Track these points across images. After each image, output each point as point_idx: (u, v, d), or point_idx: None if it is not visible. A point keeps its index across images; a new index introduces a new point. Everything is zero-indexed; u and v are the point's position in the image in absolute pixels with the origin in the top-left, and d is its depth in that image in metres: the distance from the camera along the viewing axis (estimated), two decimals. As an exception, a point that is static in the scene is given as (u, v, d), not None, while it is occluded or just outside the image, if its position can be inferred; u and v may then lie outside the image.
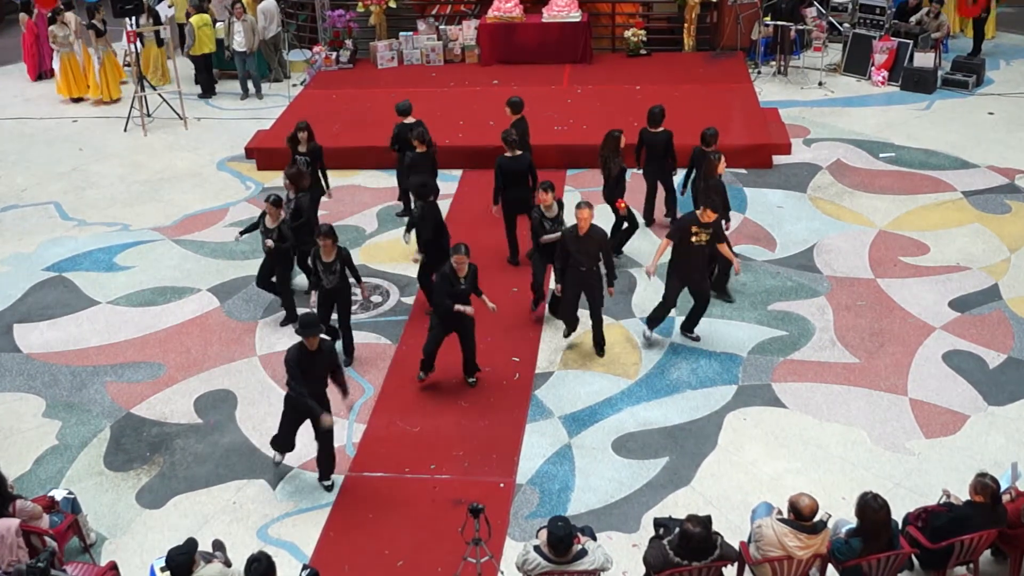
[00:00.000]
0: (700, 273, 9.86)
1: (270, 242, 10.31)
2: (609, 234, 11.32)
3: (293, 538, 8.06)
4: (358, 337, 10.53)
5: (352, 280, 9.83)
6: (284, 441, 8.64)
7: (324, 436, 8.36)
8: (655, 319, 10.10)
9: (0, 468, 7.87)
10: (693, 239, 9.57)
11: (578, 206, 9.51)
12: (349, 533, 8.09)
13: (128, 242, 12.79)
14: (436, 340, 9.50)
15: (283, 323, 10.76)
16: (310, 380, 8.17)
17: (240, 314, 11.08)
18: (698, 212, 9.64)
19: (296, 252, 10.68)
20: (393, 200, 13.45)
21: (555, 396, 9.57)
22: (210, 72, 17.92)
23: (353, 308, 11.02)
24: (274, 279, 10.73)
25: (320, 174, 11.89)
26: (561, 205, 10.51)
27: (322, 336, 8.26)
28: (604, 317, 10.01)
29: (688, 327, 10.22)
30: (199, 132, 16.36)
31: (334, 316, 10.02)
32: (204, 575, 6.58)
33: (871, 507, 6.73)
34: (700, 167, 11.04)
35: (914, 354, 9.93)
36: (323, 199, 12.04)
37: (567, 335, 10.15)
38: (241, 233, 10.79)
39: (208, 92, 17.91)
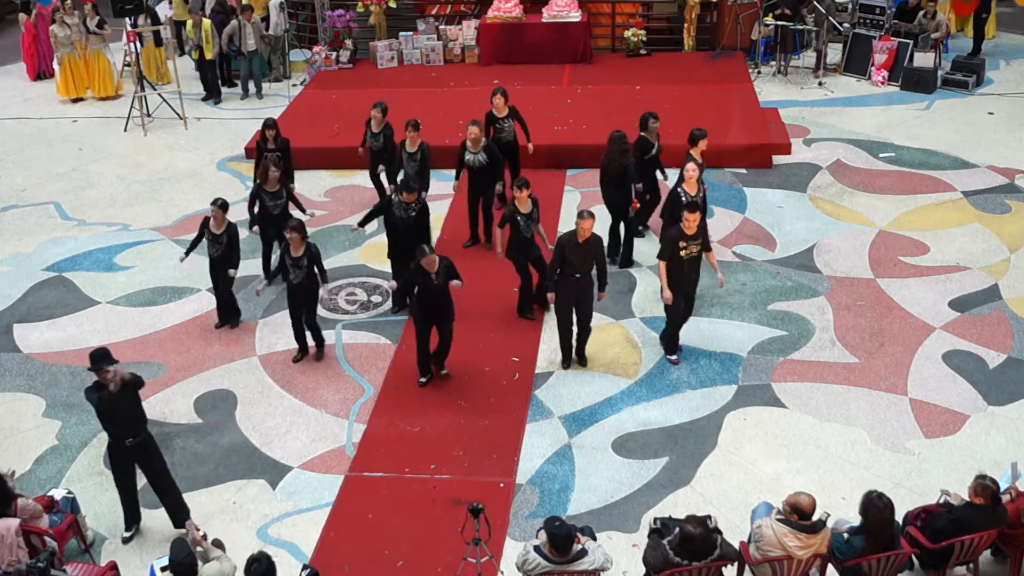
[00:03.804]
0: (693, 283, 9.67)
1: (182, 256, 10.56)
2: (621, 246, 11.34)
3: (293, 538, 8.06)
4: (357, 337, 10.56)
5: (320, 279, 9.85)
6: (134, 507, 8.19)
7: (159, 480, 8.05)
8: (671, 342, 9.92)
9: (1, 468, 7.86)
10: (683, 252, 9.38)
11: (580, 215, 9.35)
12: (349, 533, 8.09)
13: (128, 242, 12.79)
14: (420, 337, 9.51)
15: (218, 325, 10.77)
16: (118, 421, 7.71)
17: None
18: (682, 224, 9.37)
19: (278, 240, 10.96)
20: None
21: (555, 396, 9.57)
22: (216, 74, 17.79)
23: (352, 308, 11.07)
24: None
25: (288, 167, 11.99)
26: (535, 202, 10.36)
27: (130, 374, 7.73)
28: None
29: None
30: (199, 132, 16.36)
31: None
32: (204, 575, 6.57)
33: (876, 506, 6.73)
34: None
35: (914, 354, 9.93)
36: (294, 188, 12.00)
37: (565, 365, 9.89)
38: (186, 254, 10.62)
39: (216, 94, 17.70)
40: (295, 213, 11.31)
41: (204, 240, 10.38)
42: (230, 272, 10.42)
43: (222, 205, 10.26)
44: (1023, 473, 7.41)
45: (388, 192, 11.85)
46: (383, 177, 12.73)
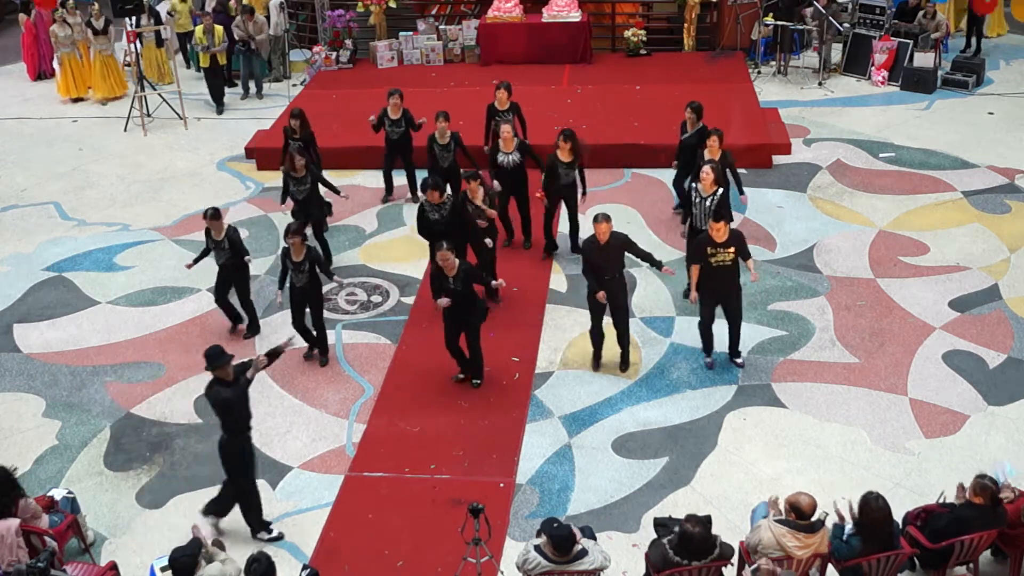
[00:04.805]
0: (728, 293, 9.50)
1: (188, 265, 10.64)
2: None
3: (293, 538, 8.06)
4: (357, 337, 10.56)
5: (323, 276, 9.91)
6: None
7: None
8: (704, 344, 9.82)
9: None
10: (712, 260, 9.27)
11: (595, 220, 9.31)
12: (349, 533, 8.10)
13: (128, 242, 12.79)
14: (448, 335, 9.52)
15: (246, 336, 10.65)
16: (246, 414, 7.80)
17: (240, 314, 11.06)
18: (709, 231, 9.28)
19: (311, 225, 11.27)
20: (395, 200, 13.46)
21: (555, 396, 9.57)
22: (225, 79, 17.68)
23: (352, 308, 11.08)
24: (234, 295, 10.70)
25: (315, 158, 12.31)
26: (488, 190, 10.63)
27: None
28: (604, 317, 9.88)
29: (731, 351, 9.89)
30: (199, 132, 16.36)
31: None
32: (205, 575, 6.57)
33: (871, 506, 6.75)
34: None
35: (914, 354, 9.93)
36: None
37: (596, 367, 9.88)
38: (193, 262, 10.64)
39: (221, 101, 17.42)
40: (325, 195, 11.81)
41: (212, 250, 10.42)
42: (246, 259, 10.35)
43: (213, 215, 10.22)
44: (1014, 471, 7.42)
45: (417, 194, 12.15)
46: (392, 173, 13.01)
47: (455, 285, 9.17)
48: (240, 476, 7.89)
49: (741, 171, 13.67)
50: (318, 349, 10.17)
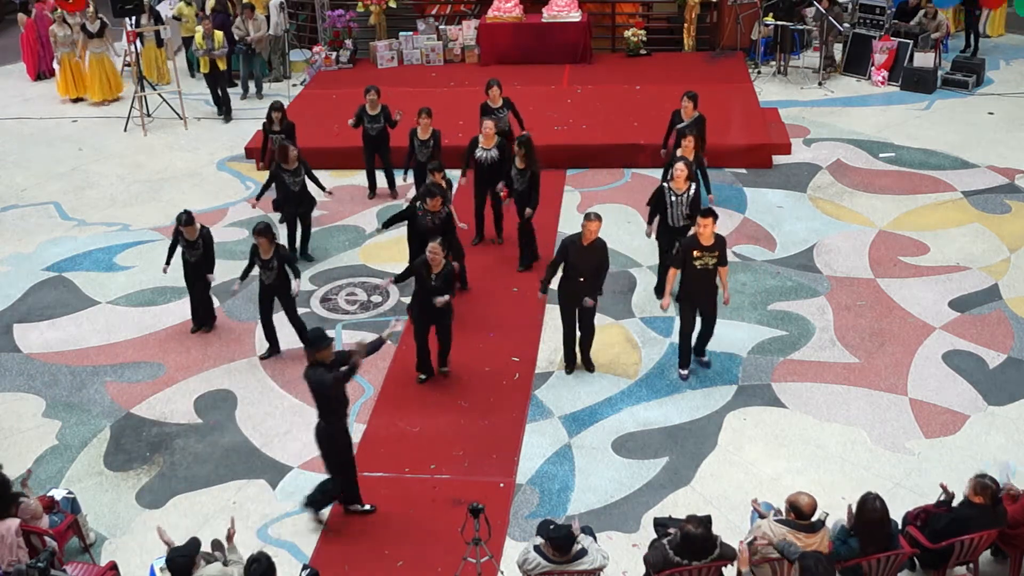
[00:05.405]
0: (708, 297, 9.38)
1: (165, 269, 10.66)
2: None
3: (293, 538, 8.06)
4: (357, 337, 10.52)
5: (291, 276, 9.93)
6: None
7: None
8: (683, 355, 9.66)
9: (1, 469, 7.86)
10: (696, 263, 9.14)
11: (587, 217, 9.24)
12: (349, 533, 8.10)
13: (128, 242, 12.79)
14: (418, 336, 9.54)
15: (194, 330, 10.75)
16: (340, 400, 7.87)
17: (240, 314, 11.07)
18: (695, 230, 9.15)
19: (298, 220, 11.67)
20: (392, 200, 13.47)
21: (555, 396, 9.57)
22: (228, 83, 17.54)
23: (352, 308, 11.08)
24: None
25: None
26: (449, 184, 10.77)
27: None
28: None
29: (698, 350, 9.81)
30: (199, 132, 16.36)
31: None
32: (204, 575, 6.57)
33: (868, 507, 6.75)
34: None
35: (914, 354, 9.93)
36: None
37: (569, 370, 9.82)
38: (167, 264, 10.65)
39: (229, 110, 17.10)
40: (313, 191, 11.78)
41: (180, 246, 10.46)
42: (208, 277, 10.46)
43: (186, 221, 10.22)
44: (1017, 470, 7.42)
45: (413, 192, 12.09)
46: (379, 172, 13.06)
47: (436, 282, 9.19)
48: (335, 460, 7.95)
49: (741, 171, 13.77)
50: (302, 341, 10.19)
